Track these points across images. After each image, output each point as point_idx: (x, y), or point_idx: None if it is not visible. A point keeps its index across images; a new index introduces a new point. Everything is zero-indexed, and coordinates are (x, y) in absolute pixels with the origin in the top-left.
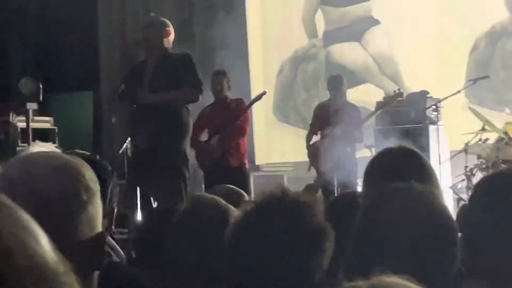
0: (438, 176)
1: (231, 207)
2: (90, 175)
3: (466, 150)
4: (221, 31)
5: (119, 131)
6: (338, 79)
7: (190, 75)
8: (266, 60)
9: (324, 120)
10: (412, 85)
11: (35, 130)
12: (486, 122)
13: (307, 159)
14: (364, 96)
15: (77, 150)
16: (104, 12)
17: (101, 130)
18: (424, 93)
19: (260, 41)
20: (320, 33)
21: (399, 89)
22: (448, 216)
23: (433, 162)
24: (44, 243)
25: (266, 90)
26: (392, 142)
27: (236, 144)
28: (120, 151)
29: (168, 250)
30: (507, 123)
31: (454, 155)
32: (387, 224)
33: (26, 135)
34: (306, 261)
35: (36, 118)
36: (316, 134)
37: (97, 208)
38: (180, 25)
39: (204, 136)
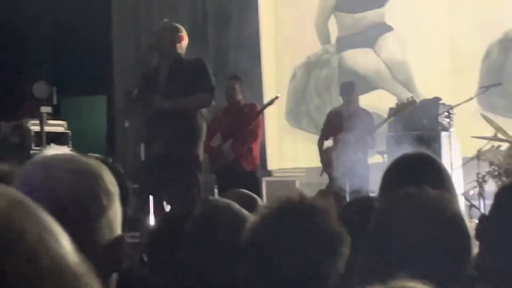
0: None
1: (245, 211)
2: (110, 179)
3: (478, 156)
4: (234, 36)
5: (132, 135)
6: (351, 85)
7: (203, 80)
8: (279, 65)
9: (337, 126)
10: (424, 92)
11: (49, 134)
12: (498, 129)
13: (319, 164)
14: (377, 102)
15: (90, 154)
16: (118, 17)
17: (114, 134)
18: (436, 100)
19: (273, 46)
20: (333, 39)
21: (412, 97)
22: (461, 222)
23: None
24: (65, 244)
25: (278, 95)
26: (404, 148)
27: (249, 149)
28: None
29: (181, 254)
30: None
31: (466, 161)
32: (400, 229)
33: (40, 139)
34: (322, 265)
35: (50, 121)
36: (328, 140)
37: (116, 212)
38: (194, 30)
39: (217, 140)
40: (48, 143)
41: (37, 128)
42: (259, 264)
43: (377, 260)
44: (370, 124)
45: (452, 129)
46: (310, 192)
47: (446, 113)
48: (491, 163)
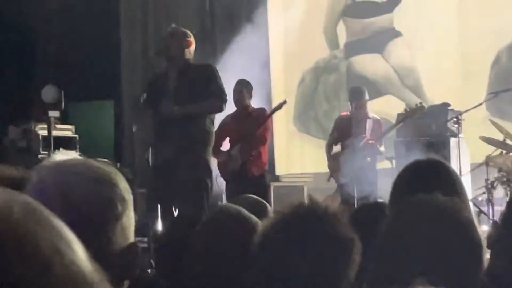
0: None
1: (254, 217)
2: (124, 185)
3: (487, 162)
4: (243, 41)
5: (140, 140)
6: (360, 91)
7: (214, 86)
8: (288, 70)
9: (345, 131)
10: (433, 97)
11: (56, 138)
12: (507, 135)
13: (327, 170)
14: (385, 107)
15: (98, 159)
16: (126, 22)
17: (122, 138)
18: (445, 105)
19: (282, 51)
20: (341, 44)
21: (420, 103)
22: (473, 229)
23: None
24: (80, 252)
25: (286, 99)
26: (413, 154)
27: (257, 154)
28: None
29: (190, 260)
30: None
31: (474, 167)
32: (411, 236)
33: (48, 143)
34: (334, 271)
35: (58, 126)
36: (336, 145)
37: (130, 218)
38: (202, 34)
39: (225, 145)
40: (56, 147)
41: (45, 133)
42: (270, 270)
43: (387, 267)
44: (379, 130)
45: (461, 135)
46: (317, 198)
47: (455, 119)
48: (499, 169)
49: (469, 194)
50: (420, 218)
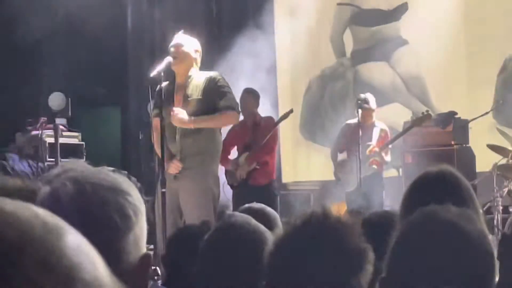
0: None
1: (262, 226)
2: (136, 195)
3: (493, 171)
4: (249, 49)
5: (146, 147)
6: (366, 99)
7: (225, 97)
8: (294, 78)
9: (352, 138)
10: (440, 106)
11: (63, 145)
12: None
13: (333, 178)
14: (392, 116)
15: (105, 167)
16: (133, 28)
17: (128, 146)
18: (452, 114)
19: (288, 59)
20: (348, 52)
21: (427, 111)
22: (485, 240)
23: None
24: (102, 268)
25: (292, 109)
26: (419, 163)
27: (265, 162)
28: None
29: (198, 268)
30: None
31: (482, 176)
32: (422, 247)
33: (54, 150)
34: (346, 281)
35: (64, 133)
36: (342, 152)
37: (142, 229)
38: (209, 41)
39: (233, 154)
40: (63, 154)
41: (51, 140)
42: (283, 280)
43: (398, 278)
44: (385, 138)
45: (467, 144)
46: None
47: (462, 128)
48: (506, 178)
49: None
50: (432, 229)
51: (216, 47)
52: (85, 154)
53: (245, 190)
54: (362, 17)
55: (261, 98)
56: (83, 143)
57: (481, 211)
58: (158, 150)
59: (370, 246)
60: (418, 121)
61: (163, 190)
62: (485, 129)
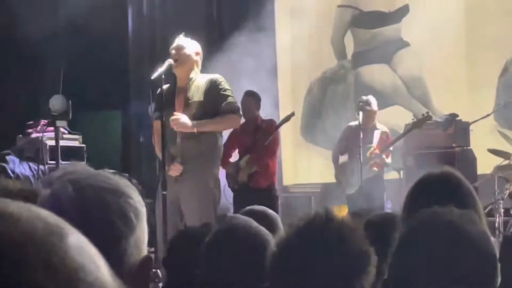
0: None
1: (264, 228)
2: (138, 198)
3: (495, 173)
4: (250, 51)
5: (147, 150)
6: (368, 101)
7: (227, 101)
8: (295, 80)
9: (353, 141)
10: (441, 108)
11: (64, 148)
12: None
13: (334, 180)
14: (393, 118)
15: (106, 169)
16: (134, 31)
17: (129, 148)
18: (453, 116)
19: (289, 61)
20: (349, 54)
21: (427, 112)
22: (488, 242)
23: None
24: (104, 269)
25: (294, 112)
26: (420, 165)
27: (266, 165)
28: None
29: (199, 271)
30: None
31: (483, 179)
32: (425, 249)
33: (55, 153)
34: (349, 283)
35: (65, 136)
36: (343, 155)
37: (144, 231)
38: (210, 43)
39: (234, 156)
40: (63, 157)
41: (52, 142)
42: (286, 282)
43: (401, 279)
44: (386, 140)
45: (468, 146)
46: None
47: (463, 130)
48: (507, 180)
49: None
50: (434, 231)
51: (217, 49)
52: (86, 156)
53: (246, 192)
54: (363, 19)
55: (262, 100)
56: (84, 145)
57: (483, 213)
58: (159, 152)
59: (372, 248)
60: (418, 123)
61: (164, 192)
62: (486, 132)
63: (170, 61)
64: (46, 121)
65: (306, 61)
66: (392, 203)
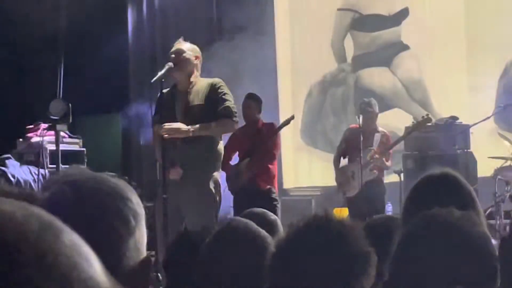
0: None
1: (263, 231)
2: (136, 200)
3: (495, 176)
4: (250, 55)
5: (147, 154)
6: (369, 104)
7: (224, 105)
8: (295, 84)
9: (353, 144)
10: (441, 111)
11: (64, 152)
12: None
13: (335, 183)
14: (393, 121)
15: (106, 173)
16: (134, 35)
17: (129, 152)
18: (453, 119)
19: (289, 65)
20: (349, 57)
21: (427, 115)
22: (488, 244)
23: None
24: (97, 267)
25: (294, 115)
26: (421, 168)
27: (266, 168)
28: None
29: (198, 274)
30: None
31: (483, 182)
32: (426, 251)
33: (55, 157)
34: (349, 284)
35: (65, 139)
36: (344, 158)
37: (143, 233)
38: (210, 47)
39: (234, 159)
40: (64, 161)
41: (52, 146)
42: (285, 283)
43: (402, 281)
44: (386, 143)
45: (469, 149)
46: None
47: (463, 132)
48: (507, 183)
49: None
50: (435, 232)
51: (217, 53)
52: (86, 160)
53: (246, 195)
54: (362, 23)
55: (262, 103)
56: (84, 149)
57: (482, 214)
58: (159, 156)
59: (373, 249)
60: (418, 125)
61: (164, 196)
62: (486, 134)
63: (169, 65)
64: (46, 125)
65: (306, 64)
66: (392, 206)
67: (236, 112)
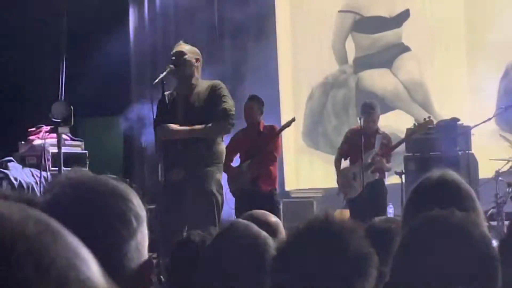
0: None
1: (264, 233)
2: (138, 202)
3: (496, 177)
4: (251, 57)
5: (149, 156)
6: (372, 105)
7: (219, 107)
8: (296, 85)
9: (355, 145)
10: (442, 112)
11: (66, 154)
12: None
13: (336, 185)
14: (395, 122)
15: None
16: (135, 37)
17: (131, 154)
18: (454, 120)
19: (290, 66)
20: (350, 59)
21: (429, 117)
22: (488, 245)
23: None
24: (95, 269)
25: (295, 117)
26: (422, 169)
27: (267, 170)
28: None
29: (200, 275)
30: None
31: (484, 182)
32: (427, 252)
33: (57, 160)
34: (351, 285)
35: (67, 142)
36: (345, 159)
37: (144, 235)
38: (211, 50)
39: (235, 161)
40: (66, 163)
41: (54, 149)
42: (287, 285)
43: (403, 282)
44: (388, 145)
45: (470, 150)
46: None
47: (464, 134)
48: (509, 184)
49: None
50: (437, 234)
51: (218, 55)
52: (88, 163)
53: (247, 197)
54: (364, 24)
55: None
56: (86, 151)
57: (482, 215)
58: (161, 158)
59: (374, 251)
60: (419, 127)
61: (167, 197)
62: (487, 135)
63: (170, 67)
64: (48, 127)
65: (308, 66)
66: (393, 208)
67: (233, 115)
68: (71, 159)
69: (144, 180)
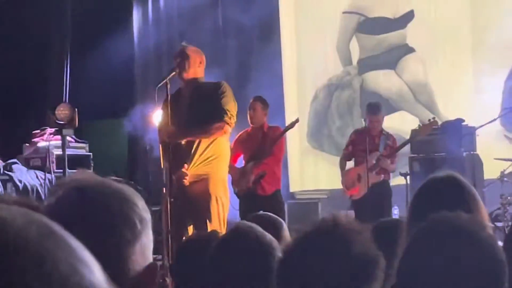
0: None
1: (269, 235)
2: (142, 205)
3: (501, 178)
4: (256, 57)
5: (154, 158)
6: (377, 106)
7: (218, 107)
8: (301, 87)
9: (359, 146)
10: (447, 113)
11: (70, 156)
12: None
13: (341, 186)
14: (399, 123)
15: (112, 177)
16: (139, 39)
17: (136, 156)
18: (459, 121)
19: (295, 67)
20: (354, 60)
21: (434, 118)
22: (495, 247)
23: None
24: (98, 273)
25: (298, 118)
26: (427, 170)
27: (271, 171)
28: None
29: (205, 277)
30: None
31: (489, 183)
32: (432, 253)
33: (62, 162)
34: None
35: (72, 144)
36: (350, 160)
37: (149, 238)
38: (215, 52)
39: (239, 162)
40: (70, 165)
41: (59, 151)
42: (293, 287)
43: (409, 285)
44: (392, 146)
45: (475, 151)
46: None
47: (469, 135)
48: None
49: None
50: (443, 236)
51: (222, 56)
52: (92, 165)
53: (251, 199)
54: (368, 26)
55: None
56: (91, 154)
57: (487, 216)
58: (165, 160)
59: (381, 253)
60: (424, 128)
61: (171, 199)
62: (492, 136)
63: (174, 68)
64: (52, 129)
65: (312, 67)
66: (399, 209)
67: (232, 115)
68: (76, 161)
69: (149, 182)
